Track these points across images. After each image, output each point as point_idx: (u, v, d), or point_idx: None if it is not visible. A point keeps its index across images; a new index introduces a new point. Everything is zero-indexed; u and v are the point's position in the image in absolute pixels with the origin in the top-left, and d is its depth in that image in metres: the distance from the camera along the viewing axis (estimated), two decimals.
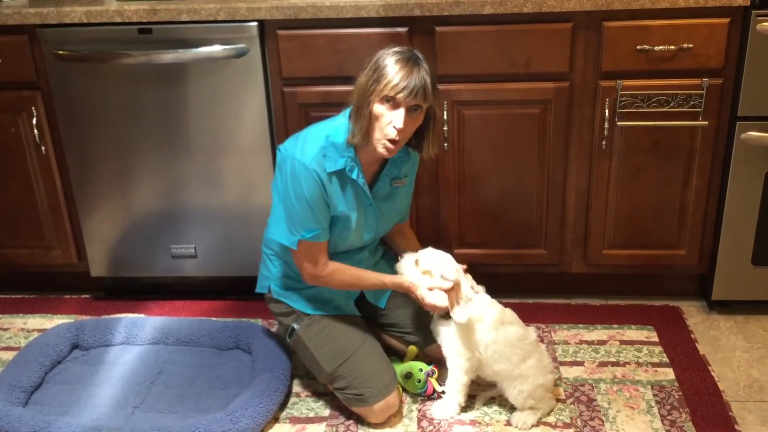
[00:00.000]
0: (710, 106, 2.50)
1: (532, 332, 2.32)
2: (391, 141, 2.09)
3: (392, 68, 2.05)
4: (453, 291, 2.21)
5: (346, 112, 2.20)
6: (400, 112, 2.06)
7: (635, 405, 2.34)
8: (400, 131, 2.08)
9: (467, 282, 2.27)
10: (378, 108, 2.08)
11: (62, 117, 2.70)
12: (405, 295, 2.42)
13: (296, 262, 2.26)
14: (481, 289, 2.30)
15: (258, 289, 2.46)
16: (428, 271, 2.24)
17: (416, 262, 2.27)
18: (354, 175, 2.18)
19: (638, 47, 2.44)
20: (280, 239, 2.26)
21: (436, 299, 2.21)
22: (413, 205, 2.65)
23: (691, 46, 2.43)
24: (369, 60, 2.11)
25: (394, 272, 2.36)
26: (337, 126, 2.19)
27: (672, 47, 2.43)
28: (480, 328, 2.23)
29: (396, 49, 2.10)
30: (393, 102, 2.07)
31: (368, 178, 2.25)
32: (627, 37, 2.44)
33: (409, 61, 2.06)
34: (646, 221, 2.69)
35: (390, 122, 2.07)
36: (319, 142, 2.16)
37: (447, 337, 2.26)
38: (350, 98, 2.15)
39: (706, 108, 2.50)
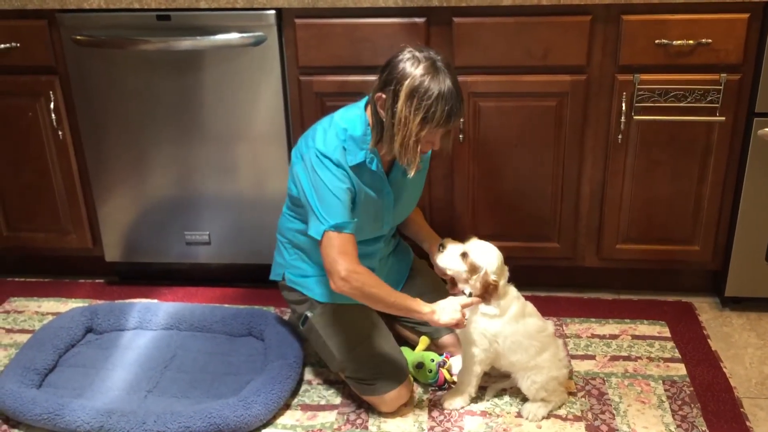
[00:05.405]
0: (728, 101, 2.49)
1: (550, 325, 2.32)
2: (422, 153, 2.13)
3: (441, 104, 2.02)
4: (490, 287, 2.19)
5: (361, 104, 2.20)
6: (440, 133, 2.11)
7: (646, 399, 2.34)
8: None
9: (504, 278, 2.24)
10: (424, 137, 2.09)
11: (79, 102, 2.71)
12: (417, 286, 2.43)
13: (326, 259, 2.10)
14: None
15: (272, 277, 2.46)
16: (476, 267, 2.19)
17: (462, 255, 2.20)
18: (374, 167, 2.19)
19: (657, 41, 2.43)
20: (310, 233, 2.15)
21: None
22: (427, 196, 2.66)
23: (709, 41, 2.42)
24: (398, 82, 2.02)
25: (406, 265, 2.36)
26: (353, 117, 2.19)
27: (691, 42, 2.42)
28: (501, 320, 2.22)
29: (426, 65, 2.02)
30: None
31: (384, 167, 2.25)
32: (646, 31, 2.43)
33: (453, 87, 2.03)
34: (660, 216, 2.68)
35: (428, 142, 2.12)
36: (339, 136, 2.16)
37: (466, 327, 2.24)
38: (385, 118, 2.08)
39: (724, 103, 2.49)
